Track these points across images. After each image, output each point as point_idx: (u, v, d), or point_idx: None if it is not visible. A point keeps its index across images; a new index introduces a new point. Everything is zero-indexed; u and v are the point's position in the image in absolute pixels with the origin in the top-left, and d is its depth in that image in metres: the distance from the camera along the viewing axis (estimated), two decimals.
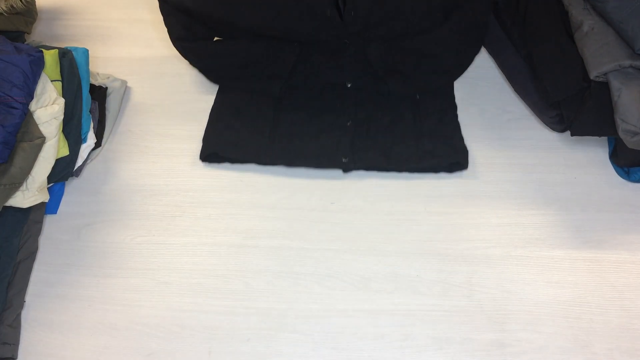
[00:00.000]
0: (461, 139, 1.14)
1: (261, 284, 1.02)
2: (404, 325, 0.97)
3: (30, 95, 0.99)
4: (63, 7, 1.45)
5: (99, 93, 1.20)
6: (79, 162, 1.12)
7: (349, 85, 1.18)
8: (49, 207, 1.11)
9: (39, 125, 1.00)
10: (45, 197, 1.03)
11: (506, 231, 1.06)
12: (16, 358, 0.98)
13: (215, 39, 1.22)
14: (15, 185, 0.96)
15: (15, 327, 0.99)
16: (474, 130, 1.18)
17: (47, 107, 1.02)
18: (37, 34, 1.39)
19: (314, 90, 1.19)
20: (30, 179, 1.00)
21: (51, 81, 1.04)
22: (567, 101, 1.05)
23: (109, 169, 1.18)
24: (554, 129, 1.14)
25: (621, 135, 0.96)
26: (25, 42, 1.18)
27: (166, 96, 1.27)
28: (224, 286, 1.03)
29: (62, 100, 1.04)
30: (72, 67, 1.09)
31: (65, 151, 1.07)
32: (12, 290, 1.00)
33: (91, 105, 1.16)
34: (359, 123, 1.15)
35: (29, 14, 1.22)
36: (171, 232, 1.09)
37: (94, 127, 1.15)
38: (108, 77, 1.24)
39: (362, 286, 1.01)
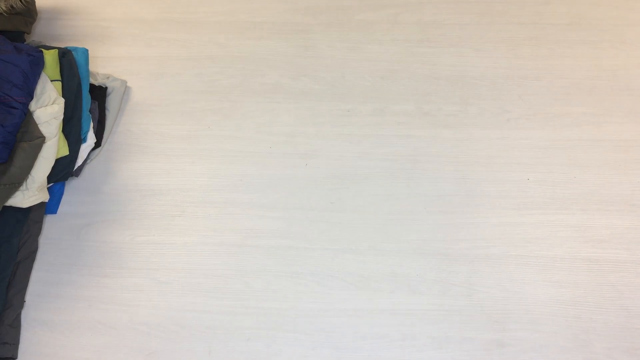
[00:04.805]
0: None
1: (261, 284, 1.02)
2: (403, 325, 0.97)
3: (30, 95, 0.99)
4: (63, 7, 1.45)
5: (99, 93, 1.20)
6: (79, 162, 1.12)
7: None
8: (49, 207, 1.11)
9: (38, 125, 1.00)
10: (45, 197, 1.03)
11: (506, 231, 1.06)
12: (16, 358, 0.98)
13: None
14: (15, 185, 0.96)
15: (15, 326, 0.99)
16: (474, 130, 1.18)
17: (47, 107, 1.02)
18: (37, 34, 1.39)
19: None
20: (30, 179, 1.00)
21: (51, 81, 1.04)
22: None
23: (109, 169, 1.18)
24: None
25: None
26: (25, 42, 1.18)
27: (166, 96, 1.27)
28: (224, 286, 1.03)
29: (62, 100, 1.04)
30: (72, 67, 1.09)
31: (65, 151, 1.07)
32: (12, 290, 1.00)
33: (91, 105, 1.16)
34: None
35: (29, 14, 1.22)
36: (171, 231, 1.09)
37: (93, 127, 1.15)
38: (108, 77, 1.24)
39: (362, 286, 1.01)
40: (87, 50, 1.13)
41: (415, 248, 1.04)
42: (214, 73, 1.30)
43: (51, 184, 1.10)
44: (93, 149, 1.16)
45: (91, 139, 1.14)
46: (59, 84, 1.07)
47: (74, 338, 0.99)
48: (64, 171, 1.09)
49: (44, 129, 1.01)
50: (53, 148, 1.02)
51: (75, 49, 1.12)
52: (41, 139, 0.99)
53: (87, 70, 1.13)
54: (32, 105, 1.00)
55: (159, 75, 1.31)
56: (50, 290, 1.04)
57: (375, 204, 1.10)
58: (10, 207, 1.00)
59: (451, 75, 1.26)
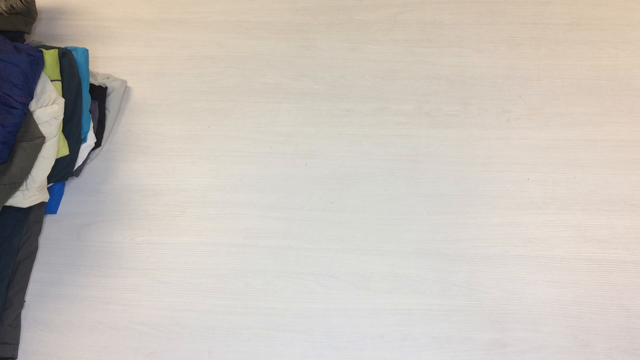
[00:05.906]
0: None
1: (261, 284, 1.02)
2: (403, 325, 0.97)
3: (30, 95, 0.99)
4: (63, 7, 1.44)
5: (99, 93, 1.20)
6: (79, 162, 1.12)
7: None
8: (49, 206, 1.11)
9: (38, 125, 1.00)
10: (45, 197, 1.03)
11: (506, 231, 1.06)
12: (16, 358, 0.98)
13: None
14: (15, 185, 0.96)
15: (15, 326, 0.99)
16: (474, 130, 1.18)
17: (47, 107, 1.02)
18: (37, 34, 1.39)
19: None
20: (30, 179, 1.00)
21: (51, 81, 1.04)
22: None
23: (109, 169, 1.18)
24: None
25: None
26: (25, 42, 1.18)
27: (166, 96, 1.27)
28: (224, 286, 1.03)
29: (62, 100, 1.04)
30: (72, 67, 1.09)
31: (65, 151, 1.07)
32: (12, 290, 1.00)
33: (91, 105, 1.16)
34: None
35: (29, 14, 1.22)
36: (171, 232, 1.09)
37: (93, 127, 1.15)
38: (108, 77, 1.24)
39: (362, 286, 1.01)
40: (87, 50, 1.13)
41: (415, 248, 1.04)
42: (214, 73, 1.30)
43: (51, 184, 1.10)
44: (93, 149, 1.17)
45: (91, 139, 1.14)
46: (59, 84, 1.07)
47: (74, 338, 0.99)
48: (64, 171, 1.09)
49: (44, 129, 1.01)
50: (53, 148, 1.02)
51: (75, 49, 1.12)
52: (41, 139, 0.99)
53: (87, 70, 1.13)
54: (32, 105, 1.00)
55: (159, 75, 1.31)
56: (50, 290, 1.04)
57: (375, 204, 1.10)
58: (10, 207, 1.00)
59: (451, 75, 1.26)
